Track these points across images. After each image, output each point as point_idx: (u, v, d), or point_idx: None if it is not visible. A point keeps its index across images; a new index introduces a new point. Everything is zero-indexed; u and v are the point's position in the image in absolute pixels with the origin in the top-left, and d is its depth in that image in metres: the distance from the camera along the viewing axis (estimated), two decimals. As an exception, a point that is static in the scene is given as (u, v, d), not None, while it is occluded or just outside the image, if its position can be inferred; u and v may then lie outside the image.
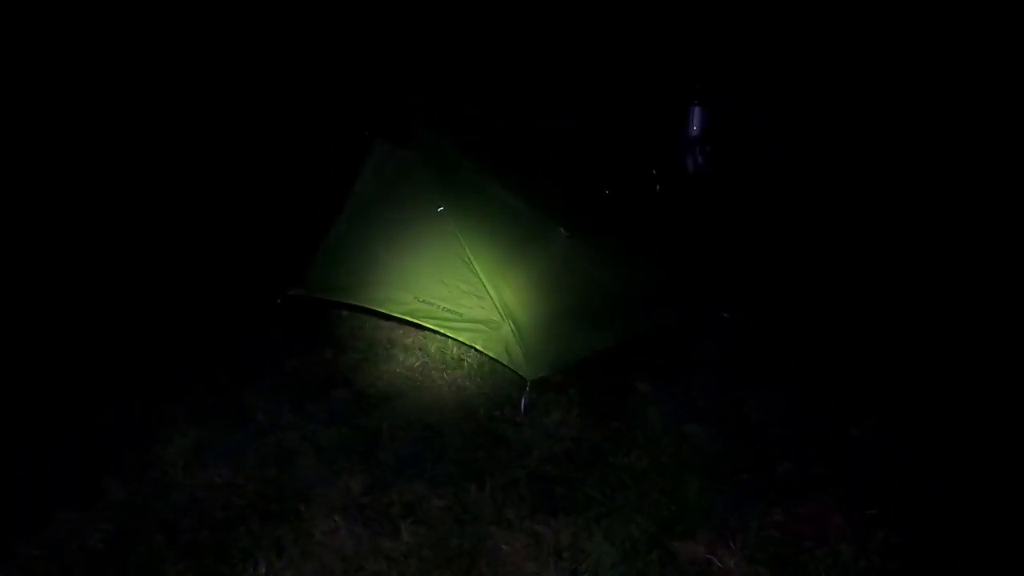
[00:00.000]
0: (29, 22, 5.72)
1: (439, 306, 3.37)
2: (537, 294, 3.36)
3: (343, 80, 6.94)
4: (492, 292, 3.23)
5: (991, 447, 2.58)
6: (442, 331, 3.33)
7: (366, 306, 3.57)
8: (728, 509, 2.25)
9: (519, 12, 7.24)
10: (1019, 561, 2.01)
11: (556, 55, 7.34)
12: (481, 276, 3.28)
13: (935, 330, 3.61)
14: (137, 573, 2.10)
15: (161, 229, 5.49)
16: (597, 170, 6.39)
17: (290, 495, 2.41)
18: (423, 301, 3.42)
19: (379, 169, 3.71)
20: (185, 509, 2.38)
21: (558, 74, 7.24)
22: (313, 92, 6.88)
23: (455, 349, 3.45)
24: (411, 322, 3.42)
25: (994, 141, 5.37)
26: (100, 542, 2.25)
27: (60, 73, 5.92)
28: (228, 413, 2.98)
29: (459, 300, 3.33)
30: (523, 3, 7.29)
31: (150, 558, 2.15)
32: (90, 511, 2.39)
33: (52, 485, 2.54)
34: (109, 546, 2.23)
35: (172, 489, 2.49)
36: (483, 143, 4.21)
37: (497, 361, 3.15)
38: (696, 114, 6.71)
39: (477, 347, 3.23)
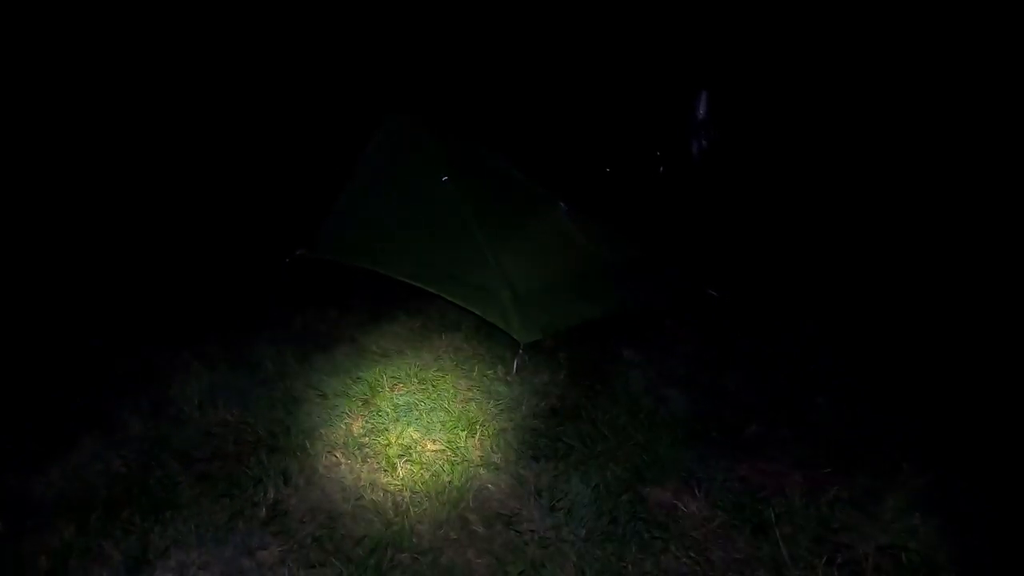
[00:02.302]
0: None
1: (440, 271, 3.54)
2: (534, 263, 3.53)
3: (358, 58, 7.05)
4: (491, 259, 3.39)
5: (948, 422, 2.77)
6: (442, 295, 3.50)
7: (371, 268, 3.74)
8: (696, 462, 2.45)
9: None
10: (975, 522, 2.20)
11: (565, 40, 7.41)
12: (482, 244, 3.44)
13: (915, 316, 3.79)
14: (156, 494, 2.30)
15: (179, 193, 5.69)
16: (600, 150, 6.54)
17: (296, 433, 2.62)
18: (426, 266, 3.59)
19: (389, 138, 3.86)
20: (199, 442, 2.60)
21: (565, 59, 7.32)
22: (328, 67, 7.00)
23: (454, 313, 3.62)
24: (413, 285, 3.59)
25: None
26: (122, 467, 2.47)
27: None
28: (239, 361, 3.18)
29: (460, 266, 3.49)
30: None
31: (168, 482, 2.36)
32: (112, 440, 2.61)
33: (77, 417, 2.76)
34: (130, 470, 2.44)
35: (187, 424, 2.70)
36: (487, 122, 4.36)
37: (493, 325, 3.33)
38: (702, 98, 6.80)
39: (475, 311, 3.40)
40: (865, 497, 2.26)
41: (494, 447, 2.58)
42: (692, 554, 2.05)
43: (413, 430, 2.68)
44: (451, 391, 2.97)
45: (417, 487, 2.36)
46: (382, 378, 3.03)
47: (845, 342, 3.49)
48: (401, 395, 2.92)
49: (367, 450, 2.55)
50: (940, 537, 2.09)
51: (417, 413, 2.80)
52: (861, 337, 3.54)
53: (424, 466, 2.47)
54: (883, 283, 4.26)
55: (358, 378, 3.04)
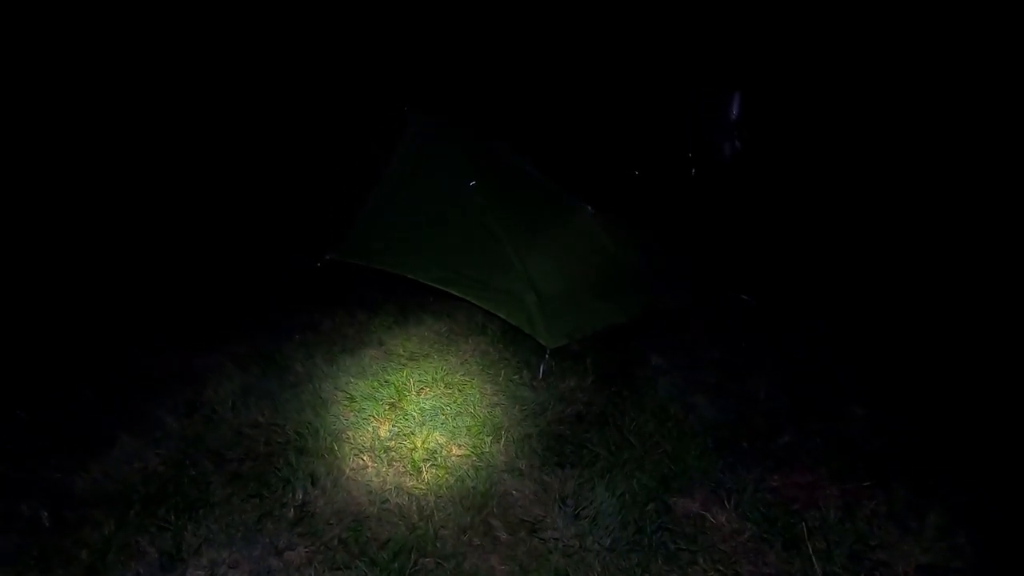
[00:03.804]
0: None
1: (467, 275, 3.55)
2: (560, 267, 3.52)
3: (383, 60, 7.15)
4: (518, 264, 3.39)
5: (993, 436, 2.64)
6: (469, 299, 3.51)
7: (399, 272, 3.77)
8: (725, 472, 2.40)
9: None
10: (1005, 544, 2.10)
11: (594, 42, 7.37)
12: (508, 248, 3.44)
13: (947, 320, 3.64)
14: (190, 493, 2.36)
15: (213, 199, 5.87)
16: (629, 153, 6.47)
17: (324, 435, 2.66)
18: (453, 270, 3.60)
19: (416, 142, 3.89)
20: (232, 442, 2.66)
21: (594, 61, 7.28)
22: (355, 70, 7.12)
23: (480, 317, 3.62)
24: (440, 289, 3.61)
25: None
26: (159, 465, 2.54)
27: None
28: (270, 364, 3.25)
29: (486, 270, 3.50)
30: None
31: (201, 481, 2.43)
32: (149, 439, 2.69)
33: (117, 417, 2.85)
34: (166, 469, 2.52)
35: (220, 425, 2.77)
36: (514, 126, 4.37)
37: (519, 329, 3.32)
38: (735, 100, 6.68)
39: (501, 315, 3.39)
40: (905, 512, 2.17)
41: (519, 453, 2.57)
42: (720, 568, 2.00)
43: (439, 434, 2.69)
44: (477, 396, 2.97)
45: (442, 492, 2.37)
46: (409, 382, 3.06)
47: (882, 349, 3.36)
48: (427, 399, 2.94)
49: (393, 454, 2.57)
50: (985, 557, 1.99)
51: (443, 417, 2.81)
52: (899, 345, 3.41)
53: (449, 471, 2.48)
54: (921, 288, 4.09)
55: (385, 381, 3.07)
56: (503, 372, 3.16)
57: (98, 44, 6.11)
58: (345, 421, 2.79)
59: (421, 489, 2.38)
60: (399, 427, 2.75)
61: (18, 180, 5.39)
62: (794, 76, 6.53)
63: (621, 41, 7.35)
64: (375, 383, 3.05)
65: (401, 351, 3.36)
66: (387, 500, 2.32)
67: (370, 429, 2.73)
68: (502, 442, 2.63)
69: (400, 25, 7.29)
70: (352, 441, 2.66)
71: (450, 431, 2.72)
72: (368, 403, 2.90)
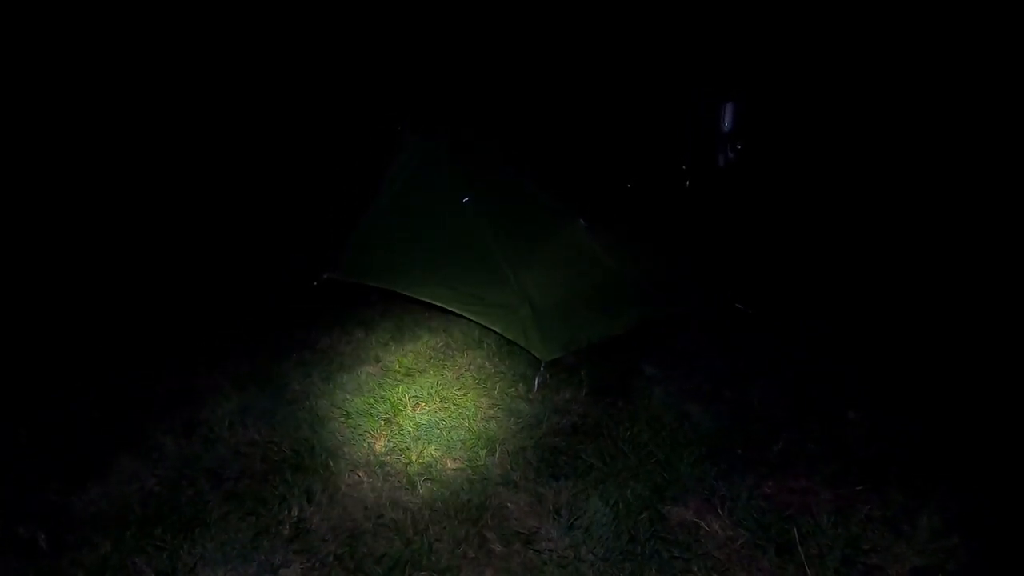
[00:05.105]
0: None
1: (463, 291, 3.59)
2: (555, 280, 3.55)
3: (378, 77, 7.28)
4: (512, 277, 3.42)
5: (988, 438, 2.64)
6: (465, 314, 3.54)
7: (395, 290, 3.81)
8: (719, 480, 2.40)
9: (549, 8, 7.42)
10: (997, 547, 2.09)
11: (588, 55, 7.48)
12: (502, 263, 3.48)
13: (942, 325, 3.64)
14: (186, 512, 2.38)
15: (208, 217, 5.95)
16: (622, 165, 6.54)
17: (320, 452, 2.68)
18: (448, 286, 3.64)
19: (410, 161, 3.96)
20: (229, 461, 2.68)
21: (588, 74, 7.39)
22: (351, 88, 7.24)
23: (476, 331, 3.65)
24: (437, 305, 3.64)
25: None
26: (156, 485, 2.56)
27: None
28: (267, 382, 3.28)
29: (481, 285, 3.54)
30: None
31: (198, 500, 2.45)
32: (147, 460, 2.72)
33: (115, 437, 2.88)
34: (164, 489, 2.54)
35: (218, 444, 2.79)
36: (508, 139, 4.43)
37: (515, 343, 3.34)
38: (728, 110, 6.75)
39: (497, 330, 3.42)
40: (899, 516, 2.17)
41: (514, 465, 2.58)
42: (714, 575, 2.00)
43: (434, 448, 2.71)
44: (472, 409, 2.99)
45: (437, 505, 2.37)
46: (404, 397, 3.07)
47: (876, 354, 3.37)
48: (423, 414, 2.96)
49: (388, 468, 2.59)
50: (979, 559, 1.99)
51: (438, 432, 2.82)
52: (893, 349, 3.41)
53: (444, 484, 2.49)
54: (915, 293, 4.10)
55: (381, 397, 3.09)
56: (499, 385, 3.18)
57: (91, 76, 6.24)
58: (341, 437, 2.81)
59: (416, 503, 2.39)
60: (394, 442, 2.76)
61: (17, 200, 5.48)
62: (788, 83, 6.61)
63: (613, 54, 7.46)
64: (371, 399, 3.07)
65: (397, 367, 3.39)
66: (382, 515, 2.33)
67: (366, 445, 2.75)
68: (497, 455, 2.64)
69: (395, 41, 7.42)
70: (348, 457, 2.67)
71: (445, 445, 2.74)
72: (364, 419, 2.91)
